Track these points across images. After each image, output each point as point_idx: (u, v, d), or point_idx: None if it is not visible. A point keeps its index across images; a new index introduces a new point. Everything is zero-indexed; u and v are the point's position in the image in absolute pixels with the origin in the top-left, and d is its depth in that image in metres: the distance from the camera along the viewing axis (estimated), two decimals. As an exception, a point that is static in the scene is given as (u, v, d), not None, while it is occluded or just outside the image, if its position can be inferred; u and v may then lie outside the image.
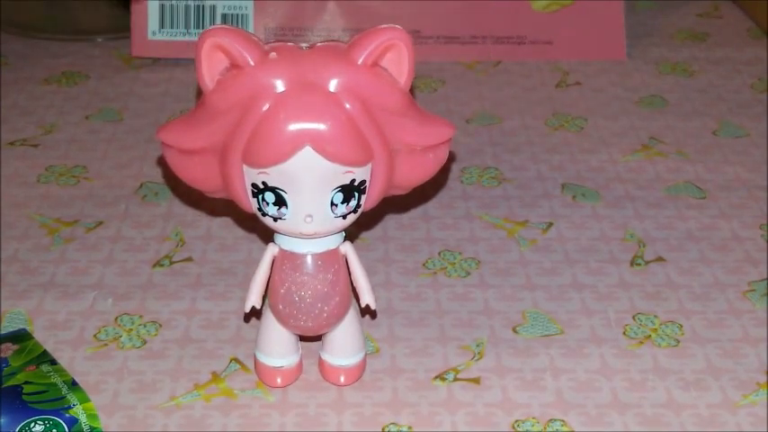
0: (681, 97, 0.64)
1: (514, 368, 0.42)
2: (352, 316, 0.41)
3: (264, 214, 0.38)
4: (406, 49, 0.37)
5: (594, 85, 0.65)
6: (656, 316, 0.45)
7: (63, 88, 0.63)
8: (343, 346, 0.41)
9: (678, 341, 0.44)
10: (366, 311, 0.44)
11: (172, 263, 0.48)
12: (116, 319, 0.45)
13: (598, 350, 0.44)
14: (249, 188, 0.37)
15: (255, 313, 0.42)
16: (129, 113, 0.61)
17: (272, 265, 0.39)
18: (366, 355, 0.42)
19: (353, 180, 0.37)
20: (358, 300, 0.41)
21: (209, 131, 0.37)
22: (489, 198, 0.53)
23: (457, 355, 0.43)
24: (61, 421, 0.38)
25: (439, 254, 0.49)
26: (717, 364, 0.43)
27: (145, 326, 0.44)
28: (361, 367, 0.42)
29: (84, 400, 0.39)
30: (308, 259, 0.39)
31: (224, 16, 0.66)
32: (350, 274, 0.40)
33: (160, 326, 0.44)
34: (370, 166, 0.37)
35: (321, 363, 0.42)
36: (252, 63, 0.36)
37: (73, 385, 0.40)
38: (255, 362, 0.41)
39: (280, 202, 0.37)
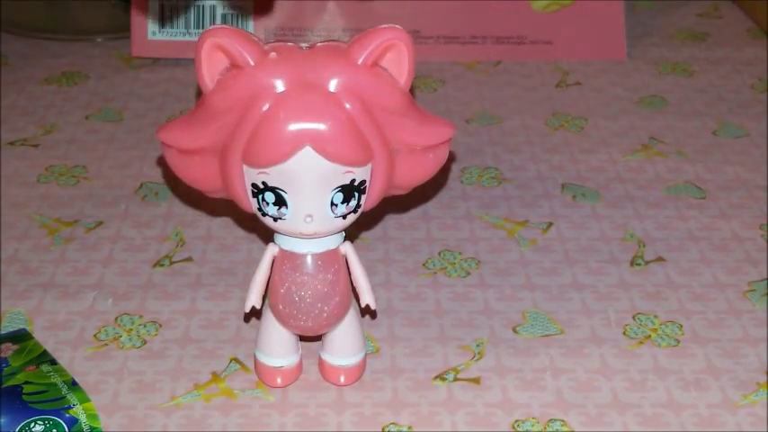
0: (681, 97, 0.64)
1: (514, 368, 0.42)
2: (352, 316, 0.41)
3: (264, 214, 0.38)
4: (406, 49, 0.37)
5: (594, 85, 0.65)
6: (656, 316, 0.46)
7: (63, 88, 0.63)
8: (343, 346, 0.41)
9: (678, 341, 0.44)
10: (366, 311, 0.44)
11: (172, 263, 0.48)
12: (116, 319, 0.45)
13: (598, 350, 0.44)
14: (249, 188, 0.37)
15: (255, 313, 0.42)
16: (129, 113, 0.61)
17: (272, 265, 0.40)
18: (366, 355, 0.42)
19: (353, 180, 0.37)
20: (358, 300, 0.41)
21: (209, 131, 0.37)
22: (489, 198, 0.53)
23: (457, 355, 0.43)
24: (61, 421, 0.38)
25: (439, 254, 0.49)
26: (717, 364, 0.43)
27: (145, 326, 0.44)
28: (361, 367, 0.42)
29: (84, 400, 0.39)
30: (308, 259, 0.39)
31: (224, 16, 0.66)
32: (350, 274, 0.40)
33: (160, 326, 0.44)
34: (370, 166, 0.37)
35: (321, 363, 0.42)
36: (252, 63, 0.36)
37: (73, 385, 0.40)
38: (255, 362, 0.41)
39: (280, 202, 0.37)
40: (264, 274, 0.40)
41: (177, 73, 0.65)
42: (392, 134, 0.38)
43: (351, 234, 0.40)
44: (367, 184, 0.38)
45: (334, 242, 0.39)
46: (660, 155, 0.58)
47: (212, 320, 0.45)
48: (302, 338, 0.42)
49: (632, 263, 0.49)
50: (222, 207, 0.51)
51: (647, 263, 0.49)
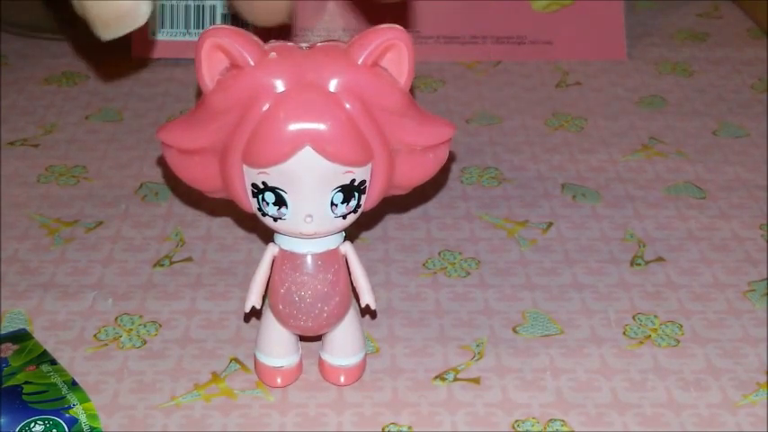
0: (681, 97, 0.64)
1: (514, 368, 0.42)
2: (352, 316, 0.41)
3: (264, 214, 0.38)
4: (406, 49, 0.37)
5: (594, 85, 0.65)
6: (656, 316, 0.46)
7: (63, 88, 0.63)
8: (343, 346, 0.41)
9: (678, 341, 0.44)
10: (366, 311, 0.44)
11: (172, 263, 0.48)
12: (116, 319, 0.45)
13: (598, 350, 0.44)
14: (249, 188, 0.37)
15: (255, 313, 0.42)
16: (129, 113, 0.61)
17: (272, 265, 0.40)
18: (366, 355, 0.42)
19: (353, 180, 0.37)
20: (358, 300, 0.41)
21: (209, 131, 0.37)
22: (489, 198, 0.53)
23: (457, 355, 0.43)
24: (61, 421, 0.38)
25: (439, 254, 0.49)
26: (717, 364, 0.43)
27: (145, 326, 0.44)
28: (361, 367, 0.42)
29: (84, 400, 0.39)
30: (308, 259, 0.39)
31: (224, 16, 0.66)
32: (350, 274, 0.40)
33: (160, 326, 0.44)
34: (370, 166, 0.37)
35: (321, 363, 0.42)
36: (252, 63, 0.36)
37: (73, 385, 0.40)
38: (255, 362, 0.41)
39: (280, 202, 0.37)
40: (264, 274, 0.40)
41: (177, 73, 0.65)
42: (392, 134, 0.38)
43: (351, 234, 0.40)
44: (367, 184, 0.38)
45: (334, 242, 0.39)
46: (660, 155, 0.58)
47: (212, 320, 0.45)
48: (302, 338, 0.42)
49: (632, 263, 0.49)
50: (222, 207, 0.51)
51: (647, 263, 0.49)
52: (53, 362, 0.41)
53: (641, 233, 0.51)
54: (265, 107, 0.36)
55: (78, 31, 0.38)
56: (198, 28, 0.66)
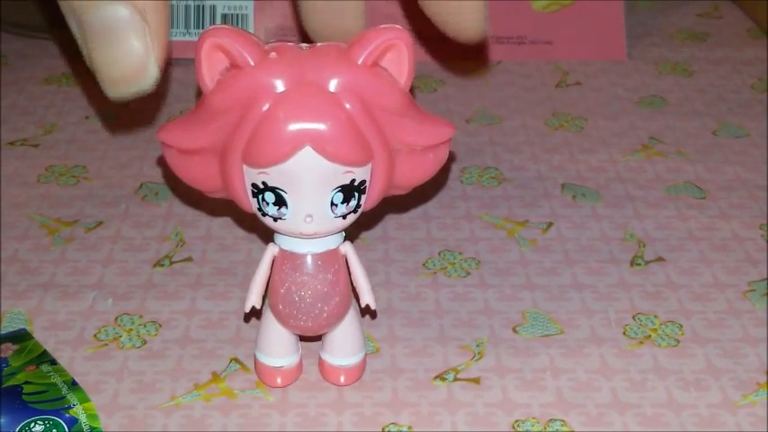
0: (681, 97, 0.64)
1: (514, 368, 0.42)
2: (352, 316, 0.41)
3: (264, 214, 0.38)
4: (406, 49, 0.37)
5: (594, 85, 0.65)
6: (656, 316, 0.46)
7: (63, 88, 0.63)
8: (343, 346, 0.41)
9: (678, 341, 0.44)
10: (366, 311, 0.44)
11: (172, 263, 0.48)
12: (116, 319, 0.45)
13: (598, 350, 0.44)
14: (249, 188, 0.37)
15: (255, 313, 0.42)
16: (129, 113, 0.61)
17: (272, 265, 0.40)
18: (366, 355, 0.42)
19: (353, 180, 0.37)
20: (358, 300, 0.41)
21: (209, 131, 0.37)
22: (489, 198, 0.53)
23: (457, 355, 0.43)
24: (61, 421, 0.38)
25: (439, 254, 0.49)
26: (717, 364, 0.43)
27: (145, 326, 0.44)
28: (361, 367, 0.42)
29: (84, 400, 0.39)
30: (308, 259, 0.39)
31: (224, 16, 0.66)
32: (350, 274, 0.40)
33: (160, 326, 0.44)
34: (370, 166, 0.37)
35: (321, 363, 0.42)
36: (252, 63, 0.36)
37: (73, 385, 0.40)
38: (255, 362, 0.41)
39: (279, 201, 0.37)
40: (264, 273, 0.40)
41: (177, 73, 0.65)
42: (392, 134, 0.38)
43: (351, 234, 0.40)
44: (367, 184, 0.38)
45: (334, 242, 0.39)
46: (660, 155, 0.58)
47: (212, 320, 0.45)
48: (302, 338, 0.42)
49: (632, 263, 0.49)
50: (222, 207, 0.51)
51: (647, 263, 0.49)
52: (53, 362, 0.41)
53: (641, 233, 0.51)
54: (265, 107, 0.36)
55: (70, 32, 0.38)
56: (198, 28, 0.66)
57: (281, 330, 0.40)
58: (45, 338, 0.43)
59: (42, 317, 0.45)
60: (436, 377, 0.42)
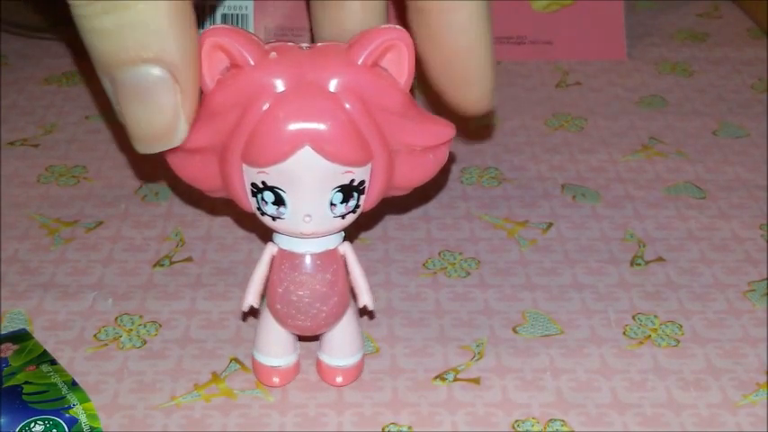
0: (681, 97, 0.64)
1: (514, 368, 0.42)
2: (350, 316, 0.41)
3: (263, 213, 0.38)
4: (407, 49, 0.37)
5: (594, 85, 0.65)
6: (656, 316, 0.46)
7: (63, 88, 0.63)
8: (341, 346, 0.41)
9: (678, 341, 0.44)
10: (364, 312, 0.44)
11: (172, 263, 0.48)
12: (116, 319, 0.45)
13: (598, 350, 0.44)
14: (248, 187, 0.37)
15: (253, 312, 0.42)
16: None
17: (270, 264, 0.40)
18: (364, 355, 0.42)
19: (353, 180, 0.37)
20: (356, 300, 0.41)
21: (209, 131, 0.37)
22: (489, 198, 0.53)
23: (457, 355, 0.43)
24: (61, 421, 0.38)
25: (439, 254, 0.49)
26: (717, 364, 0.43)
27: (145, 326, 0.44)
28: (359, 368, 0.42)
29: (84, 400, 0.39)
30: (307, 259, 0.39)
31: (224, 16, 0.66)
32: (348, 275, 0.40)
33: (160, 326, 0.44)
34: (369, 166, 0.37)
35: (318, 363, 0.42)
36: (252, 63, 0.36)
37: (73, 385, 0.40)
38: (253, 361, 0.41)
39: (279, 201, 0.37)
40: (263, 273, 0.40)
41: (177, 73, 0.65)
42: (392, 134, 0.38)
43: (351, 234, 0.40)
44: (366, 184, 0.38)
45: (333, 242, 0.39)
46: (660, 155, 0.58)
47: (212, 320, 0.45)
48: (302, 338, 0.42)
49: (632, 263, 0.49)
50: (222, 207, 0.51)
51: (647, 263, 0.49)
52: (53, 362, 0.41)
53: (641, 233, 0.51)
54: (265, 107, 0.36)
55: (72, 31, 0.38)
56: (198, 28, 0.66)
57: (279, 330, 0.40)
58: (45, 338, 0.43)
59: (42, 317, 0.45)
60: (436, 377, 0.42)
